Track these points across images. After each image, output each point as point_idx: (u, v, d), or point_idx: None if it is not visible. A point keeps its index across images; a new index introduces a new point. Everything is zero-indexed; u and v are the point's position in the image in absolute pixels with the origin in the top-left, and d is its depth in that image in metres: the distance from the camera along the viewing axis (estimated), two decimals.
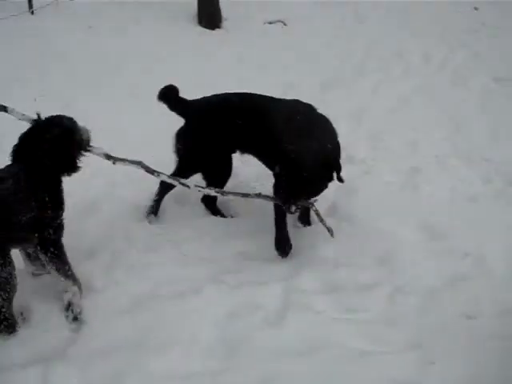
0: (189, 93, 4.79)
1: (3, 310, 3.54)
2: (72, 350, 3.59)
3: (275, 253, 4.40)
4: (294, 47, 8.62)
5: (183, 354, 3.56)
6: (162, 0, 9.98)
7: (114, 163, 4.02)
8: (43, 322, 3.78)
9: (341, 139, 5.80)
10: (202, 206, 4.94)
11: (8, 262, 3.53)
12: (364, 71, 7.97)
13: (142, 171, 4.11)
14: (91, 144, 4.00)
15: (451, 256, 4.37)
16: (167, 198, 4.89)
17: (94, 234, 4.59)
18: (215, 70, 7.59)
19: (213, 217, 4.93)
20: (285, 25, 9.94)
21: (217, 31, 9.43)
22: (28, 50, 7.55)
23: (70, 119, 3.92)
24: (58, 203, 3.85)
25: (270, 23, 9.86)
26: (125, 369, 3.45)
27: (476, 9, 11.42)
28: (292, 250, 4.43)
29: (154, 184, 4.72)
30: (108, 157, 4.02)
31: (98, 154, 4.01)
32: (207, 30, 9.40)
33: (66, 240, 3.90)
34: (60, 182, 3.90)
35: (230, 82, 7.15)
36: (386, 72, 7.91)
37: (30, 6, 8.91)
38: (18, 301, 3.68)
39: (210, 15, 9.58)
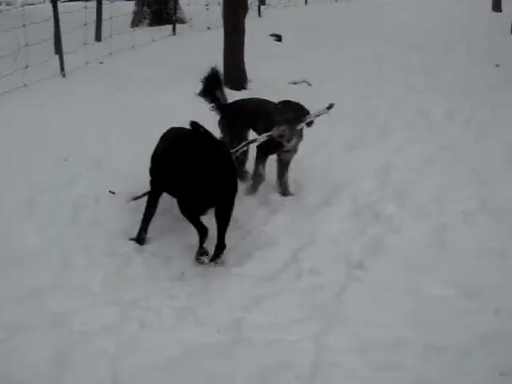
0: None
1: None
2: None
3: (302, 312, 4.44)
4: (319, 107, 8.73)
5: None
6: (189, 64, 10.22)
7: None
8: None
9: (368, 197, 5.88)
10: None
11: None
12: (388, 130, 8.04)
13: None
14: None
15: (482, 312, 4.33)
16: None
17: None
18: None
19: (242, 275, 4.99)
20: (309, 85, 10.10)
21: (242, 92, 9.60)
22: (59, 111, 7.75)
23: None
24: None
25: (295, 83, 10.02)
26: None
27: (497, 66, 11.54)
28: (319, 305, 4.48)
29: None
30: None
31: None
32: (233, 92, 9.57)
33: None
34: None
35: None
36: (410, 130, 7.96)
37: (62, 68, 9.18)
38: None
39: (235, 78, 9.80)
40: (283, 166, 6.22)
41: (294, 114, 5.85)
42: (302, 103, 6.04)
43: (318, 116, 5.95)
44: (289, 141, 5.88)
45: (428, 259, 5.04)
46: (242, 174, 6.36)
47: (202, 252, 5.09)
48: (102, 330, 4.23)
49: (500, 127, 7.94)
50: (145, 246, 5.36)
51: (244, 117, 6.35)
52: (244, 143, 5.94)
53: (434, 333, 4.15)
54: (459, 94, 9.52)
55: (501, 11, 18.91)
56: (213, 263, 5.11)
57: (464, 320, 4.27)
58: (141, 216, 5.52)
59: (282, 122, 5.77)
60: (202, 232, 5.14)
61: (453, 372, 3.82)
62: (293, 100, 6.07)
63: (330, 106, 5.94)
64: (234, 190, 5.13)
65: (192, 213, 5.15)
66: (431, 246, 5.26)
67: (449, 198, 6.02)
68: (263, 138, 5.85)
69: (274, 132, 5.78)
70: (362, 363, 3.89)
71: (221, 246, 5.15)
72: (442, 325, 4.23)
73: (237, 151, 5.90)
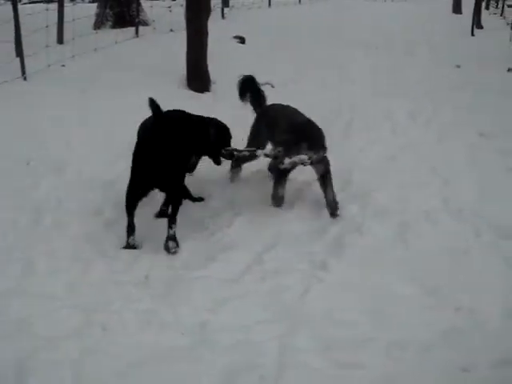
0: None
1: None
2: None
3: (266, 313, 4.45)
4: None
5: None
6: (152, 65, 10.20)
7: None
8: None
9: None
10: None
11: None
12: (352, 131, 8.11)
13: None
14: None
15: (444, 310, 4.41)
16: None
17: None
18: None
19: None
20: (272, 87, 10.10)
21: (206, 94, 9.61)
22: (20, 114, 7.65)
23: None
24: None
25: None
26: None
27: (458, 67, 11.75)
28: (283, 306, 4.50)
29: None
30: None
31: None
32: (196, 94, 9.58)
33: None
34: None
35: None
36: (373, 131, 8.05)
37: (23, 71, 9.07)
38: None
39: (199, 79, 9.80)
40: (322, 180, 5.93)
41: (296, 138, 5.60)
42: (321, 131, 5.89)
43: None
44: (281, 163, 5.60)
45: (390, 258, 5.10)
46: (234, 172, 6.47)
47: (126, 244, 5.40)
48: (65, 334, 4.18)
49: (461, 128, 8.07)
50: (108, 250, 5.33)
51: (265, 122, 6.33)
52: (247, 149, 5.87)
53: (397, 330, 4.21)
54: (421, 95, 9.66)
55: (461, 13, 19.26)
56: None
57: (426, 317, 4.34)
58: (104, 221, 5.68)
59: (281, 143, 5.65)
60: (130, 228, 5.38)
61: (416, 368, 3.88)
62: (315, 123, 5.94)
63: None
64: (168, 171, 5.28)
65: (129, 195, 5.35)
66: (393, 246, 5.32)
67: (411, 198, 6.09)
68: (262, 154, 5.74)
69: (271, 152, 5.71)
70: (327, 362, 3.92)
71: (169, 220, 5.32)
72: (404, 322, 4.29)
73: (240, 152, 5.87)
